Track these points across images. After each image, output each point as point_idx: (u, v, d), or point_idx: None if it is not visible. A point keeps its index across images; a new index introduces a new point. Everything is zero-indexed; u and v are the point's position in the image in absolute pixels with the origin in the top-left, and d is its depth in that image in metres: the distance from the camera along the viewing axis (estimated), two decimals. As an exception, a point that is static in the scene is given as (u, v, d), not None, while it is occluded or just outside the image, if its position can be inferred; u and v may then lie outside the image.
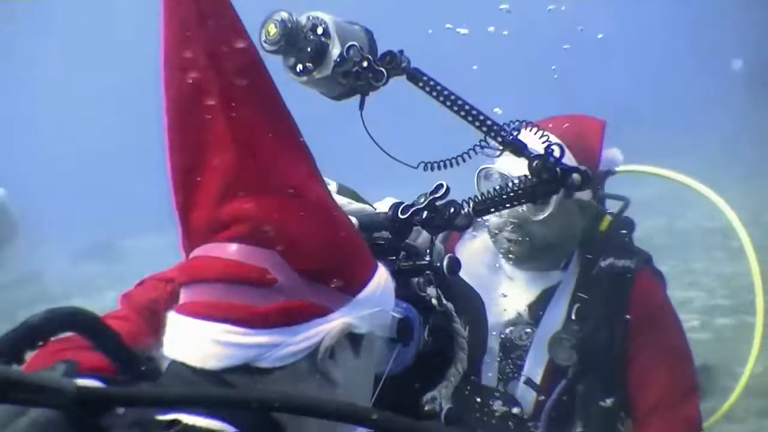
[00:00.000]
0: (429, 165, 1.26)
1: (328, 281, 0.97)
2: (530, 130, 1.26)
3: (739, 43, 19.51)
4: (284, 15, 1.30)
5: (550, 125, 2.18)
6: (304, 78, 1.31)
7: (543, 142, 1.22)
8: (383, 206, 1.83)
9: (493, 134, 1.22)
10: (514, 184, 1.25)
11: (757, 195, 10.62)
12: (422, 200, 1.21)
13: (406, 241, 1.27)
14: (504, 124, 1.24)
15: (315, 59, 1.28)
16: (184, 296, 0.99)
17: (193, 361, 0.94)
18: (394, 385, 1.18)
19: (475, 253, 2.32)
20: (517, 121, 1.22)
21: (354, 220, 1.28)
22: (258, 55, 0.98)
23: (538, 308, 2.22)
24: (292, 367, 0.95)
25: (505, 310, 2.24)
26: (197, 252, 0.99)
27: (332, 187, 1.33)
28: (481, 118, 1.22)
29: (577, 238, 2.25)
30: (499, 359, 2.21)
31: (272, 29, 1.30)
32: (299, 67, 1.30)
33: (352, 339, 1.00)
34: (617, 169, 2.44)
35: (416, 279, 1.22)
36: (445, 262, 1.21)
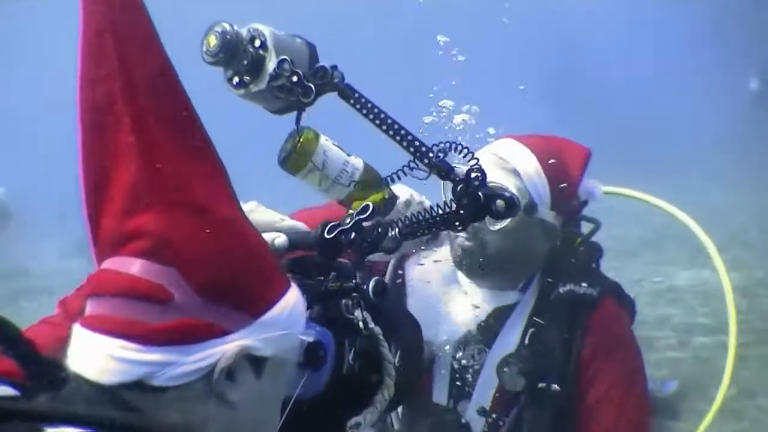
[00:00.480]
0: (358, 185, 1.23)
1: (228, 301, 0.95)
2: (462, 155, 1.22)
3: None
4: (225, 26, 1.28)
5: (530, 143, 2.16)
6: (242, 91, 1.28)
7: (469, 166, 1.19)
8: (399, 191, 1.87)
9: (420, 156, 1.19)
10: (439, 207, 1.22)
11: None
12: (348, 221, 1.19)
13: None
14: (433, 145, 1.21)
15: (251, 72, 1.26)
16: (88, 309, 0.99)
17: (91, 376, 0.94)
18: (317, 409, 1.15)
19: (436, 263, 2.26)
20: (445, 143, 1.19)
21: (282, 238, 1.26)
22: (170, 68, 0.96)
23: (491, 329, 2.15)
24: (186, 387, 0.94)
25: (456, 325, 2.18)
26: (105, 264, 0.98)
27: (249, 206, 1.31)
28: (409, 138, 1.19)
29: (538, 260, 2.19)
30: (450, 378, 2.15)
31: (212, 40, 1.28)
32: (235, 79, 1.27)
33: (254, 361, 0.98)
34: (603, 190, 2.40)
35: (343, 301, 1.19)
36: (371, 285, 1.19)
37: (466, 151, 1.17)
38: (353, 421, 1.19)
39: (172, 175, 0.93)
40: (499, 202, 1.16)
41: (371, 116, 1.22)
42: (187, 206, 0.94)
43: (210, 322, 0.94)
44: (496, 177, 2.06)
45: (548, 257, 2.19)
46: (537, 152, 2.13)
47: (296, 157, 1.54)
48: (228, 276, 0.95)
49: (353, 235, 1.18)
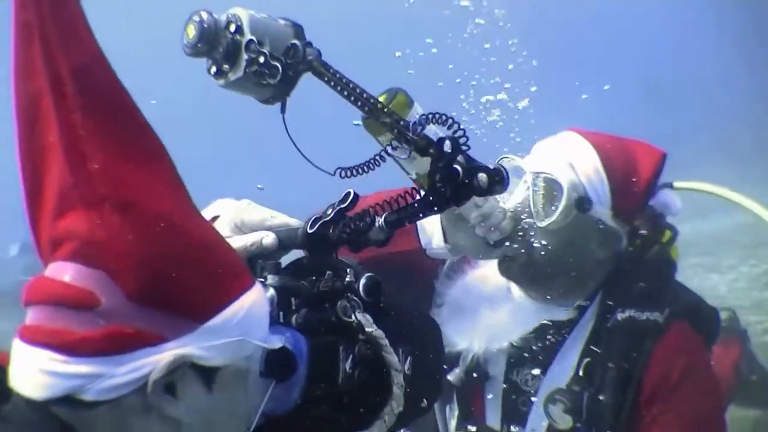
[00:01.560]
0: (345, 171, 1.10)
1: (166, 306, 0.83)
2: (447, 126, 1.06)
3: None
4: (203, 15, 1.18)
5: (594, 139, 1.95)
6: (221, 81, 1.18)
7: (448, 131, 1.02)
8: None
9: (399, 132, 1.04)
10: (425, 190, 1.06)
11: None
12: (329, 211, 1.05)
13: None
14: (414, 121, 1.06)
15: (228, 59, 1.15)
16: (27, 319, 0.90)
17: (25, 390, 0.86)
18: (310, 423, 1.02)
19: (492, 270, 2.04)
20: (425, 115, 1.03)
21: (271, 237, 1.14)
22: (100, 61, 0.87)
23: (545, 351, 1.91)
24: (120, 402, 0.84)
25: (500, 338, 1.96)
26: (46, 271, 0.89)
27: (241, 204, 1.19)
28: (391, 114, 1.05)
29: (596, 270, 1.93)
30: (502, 400, 1.96)
31: (190, 31, 1.18)
32: (213, 69, 1.17)
33: (203, 372, 0.86)
34: (676, 185, 2.18)
35: (340, 302, 1.06)
36: (362, 283, 1.05)
37: (451, 121, 1.01)
38: None
39: (99, 171, 0.84)
40: (481, 176, 0.99)
41: (346, 93, 1.08)
42: (115, 202, 0.83)
43: (143, 329, 0.83)
44: (546, 166, 1.90)
45: (611, 273, 1.94)
46: (599, 148, 1.93)
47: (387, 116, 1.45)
48: (164, 278, 0.84)
49: (338, 227, 1.04)
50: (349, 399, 1.05)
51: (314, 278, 1.07)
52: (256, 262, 1.09)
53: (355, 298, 1.07)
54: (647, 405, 1.81)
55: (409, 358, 1.11)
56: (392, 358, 1.06)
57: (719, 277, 8.44)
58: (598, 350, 1.87)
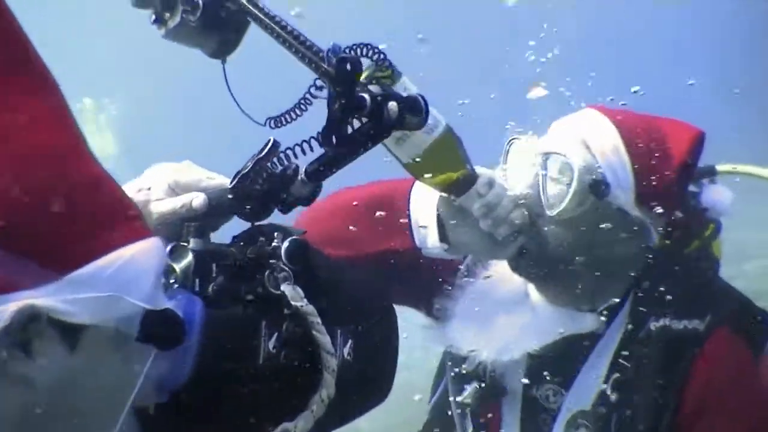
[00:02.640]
0: (275, 120, 0.97)
1: (23, 250, 0.71)
2: (375, 60, 0.91)
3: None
4: None
5: (617, 117, 1.68)
6: (162, 30, 1.08)
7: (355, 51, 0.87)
8: (480, 170, 1.56)
9: (311, 62, 0.90)
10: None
11: None
12: (249, 163, 0.92)
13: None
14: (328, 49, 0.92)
15: (167, 7, 1.05)
16: None
17: None
18: (220, 408, 0.89)
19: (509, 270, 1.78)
20: (339, 45, 0.89)
21: (201, 198, 1.03)
22: None
23: (567, 363, 1.68)
24: None
25: (516, 348, 1.72)
26: None
27: (181, 165, 1.09)
28: (314, 50, 0.91)
29: (622, 268, 1.68)
30: (521, 416, 1.74)
31: None
32: (152, 17, 1.07)
33: (66, 330, 0.74)
34: (719, 168, 1.89)
35: (267, 272, 0.93)
36: (284, 247, 0.91)
37: (379, 55, 0.87)
38: (282, 427, 0.91)
39: None
40: (391, 105, 0.84)
41: (280, 36, 0.95)
42: None
43: None
44: (556, 145, 1.66)
45: (641, 273, 1.68)
46: (620, 125, 1.66)
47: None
48: (27, 217, 0.72)
49: (260, 182, 0.91)
50: (272, 382, 0.91)
51: (243, 244, 0.95)
52: (185, 225, 0.98)
53: (287, 268, 0.94)
54: (688, 428, 1.57)
55: (350, 341, 0.97)
56: (323, 338, 0.92)
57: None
58: (628, 364, 1.63)
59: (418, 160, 1.43)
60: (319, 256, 0.99)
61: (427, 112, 0.86)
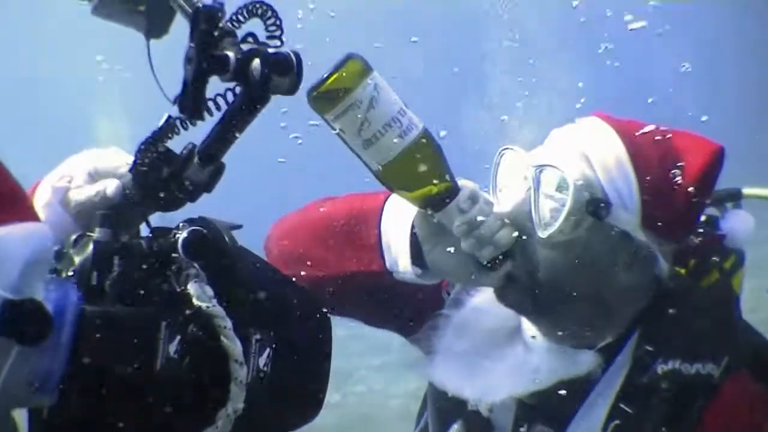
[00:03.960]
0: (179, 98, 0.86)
1: None
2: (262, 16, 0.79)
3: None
4: None
5: (622, 126, 1.47)
6: (91, 5, 0.98)
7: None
8: (462, 183, 1.36)
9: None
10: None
11: None
12: (143, 145, 0.82)
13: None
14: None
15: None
16: None
17: None
18: (118, 415, 0.79)
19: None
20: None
21: (114, 185, 0.93)
22: None
23: (559, 402, 1.46)
24: None
25: (504, 387, 1.52)
26: None
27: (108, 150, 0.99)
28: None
29: (624, 305, 1.47)
30: None
31: None
32: (81, -8, 0.98)
33: None
34: (745, 192, 1.71)
35: (174, 268, 0.83)
36: (181, 239, 0.81)
37: (267, 12, 0.75)
38: None
39: None
40: (254, 64, 0.73)
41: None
42: None
43: None
44: (550, 157, 1.43)
45: (648, 307, 1.47)
46: (626, 136, 1.43)
47: (335, 83, 1.19)
48: None
49: (160, 164, 0.81)
50: (171, 391, 0.81)
51: (152, 236, 0.86)
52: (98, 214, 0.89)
53: (196, 265, 0.84)
54: None
55: (268, 350, 0.87)
56: (232, 345, 0.82)
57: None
58: (630, 411, 1.42)
59: (388, 167, 1.29)
60: (241, 254, 0.89)
61: (300, 74, 0.75)
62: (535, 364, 1.48)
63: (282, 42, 0.76)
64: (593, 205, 1.37)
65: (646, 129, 1.46)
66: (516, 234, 1.40)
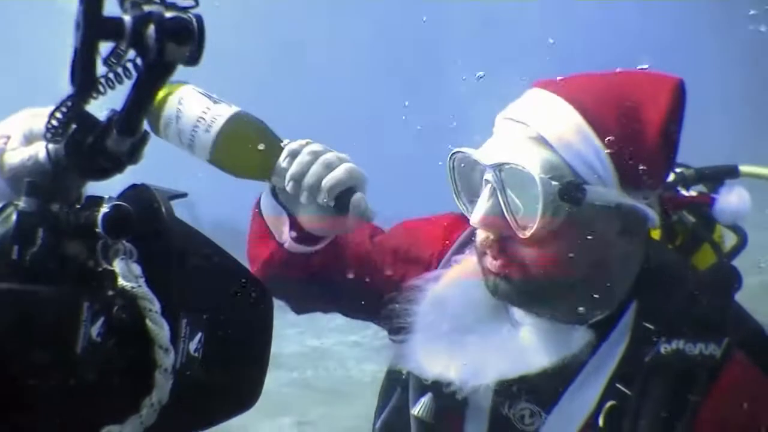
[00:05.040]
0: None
1: None
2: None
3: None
4: None
5: (569, 89, 1.36)
6: None
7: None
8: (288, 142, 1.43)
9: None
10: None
11: None
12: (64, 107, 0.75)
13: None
14: None
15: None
16: None
17: None
18: (34, 401, 0.74)
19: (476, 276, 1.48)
20: None
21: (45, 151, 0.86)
22: None
23: (546, 377, 1.38)
24: None
25: (493, 378, 1.43)
26: None
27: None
28: None
29: (623, 274, 1.40)
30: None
31: None
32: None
33: None
34: (742, 169, 1.64)
35: (101, 243, 0.77)
36: (101, 213, 0.75)
37: None
38: (106, 429, 0.76)
39: None
40: (150, 30, 0.63)
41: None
42: None
43: None
44: (505, 153, 1.33)
45: (642, 281, 1.40)
46: (577, 100, 1.33)
47: (151, 111, 1.30)
48: None
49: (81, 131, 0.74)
50: (93, 378, 0.75)
51: (80, 207, 0.79)
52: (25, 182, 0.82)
53: (128, 245, 0.78)
54: None
55: (200, 334, 0.81)
56: (157, 330, 0.76)
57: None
58: (628, 392, 1.36)
59: (214, 159, 1.40)
60: (177, 229, 0.83)
61: (201, 43, 0.67)
62: (524, 343, 1.41)
63: (196, 2, 0.69)
64: (566, 192, 1.29)
65: (595, 83, 1.38)
66: (352, 166, 1.39)
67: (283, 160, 1.40)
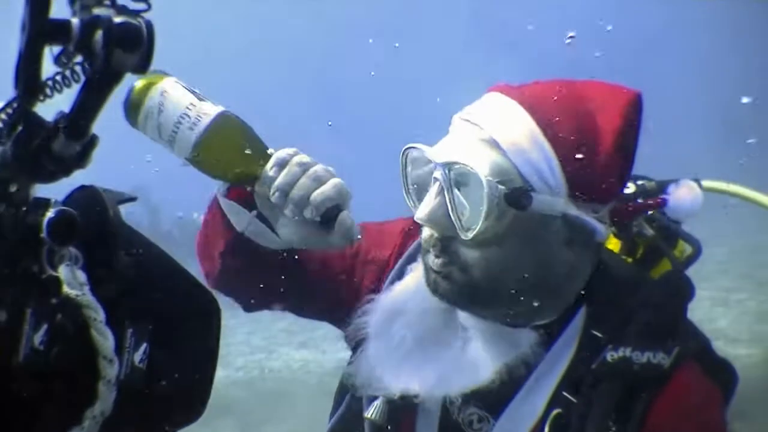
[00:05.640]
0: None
1: None
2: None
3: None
4: None
5: (525, 95, 1.35)
6: None
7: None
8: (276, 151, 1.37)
9: None
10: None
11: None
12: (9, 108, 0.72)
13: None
14: None
15: None
16: None
17: None
18: None
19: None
20: None
21: None
22: None
23: (499, 387, 1.37)
24: None
25: (439, 376, 1.42)
26: None
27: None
28: None
29: (567, 284, 1.38)
30: None
31: None
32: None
33: None
34: (705, 184, 1.63)
35: (47, 248, 0.75)
36: (45, 220, 0.73)
37: None
38: None
39: None
40: (97, 35, 0.62)
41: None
42: None
43: None
44: (454, 152, 1.32)
45: (592, 288, 1.39)
46: (532, 105, 1.32)
47: (130, 100, 1.30)
48: None
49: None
50: (35, 387, 0.73)
51: (26, 210, 0.77)
52: None
53: (74, 250, 0.76)
54: None
55: (145, 345, 0.79)
56: (101, 340, 0.74)
57: (724, 310, 7.95)
58: (573, 399, 1.34)
59: (193, 158, 1.33)
60: (123, 235, 0.81)
61: (150, 50, 0.66)
62: (475, 353, 1.40)
63: (149, 6, 0.67)
64: (512, 197, 1.27)
65: (552, 91, 1.36)
66: (340, 182, 1.35)
67: (270, 169, 1.33)
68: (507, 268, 1.33)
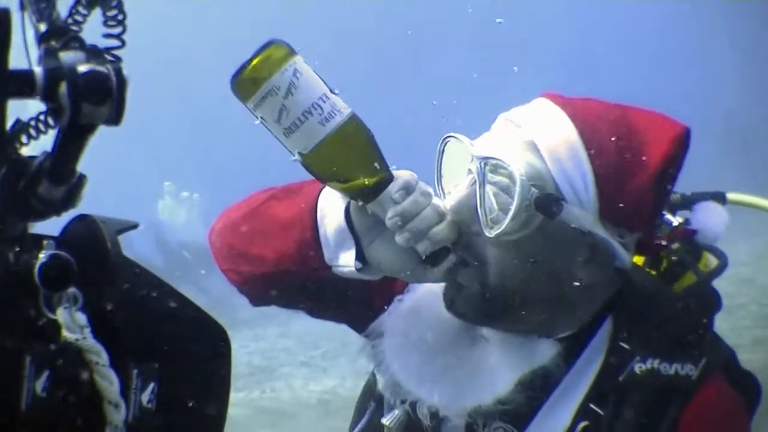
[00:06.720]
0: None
1: None
2: None
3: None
4: None
5: (575, 107, 1.33)
6: None
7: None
8: (398, 173, 1.28)
9: None
10: None
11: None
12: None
13: None
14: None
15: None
16: None
17: None
18: None
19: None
20: None
21: None
22: None
23: (524, 400, 1.34)
24: None
25: (458, 390, 1.39)
26: None
27: None
28: None
29: (583, 301, 1.37)
30: None
31: None
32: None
33: None
34: (730, 197, 1.64)
35: (44, 291, 0.71)
36: (38, 264, 0.69)
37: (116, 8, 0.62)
38: None
39: None
40: (62, 88, 0.57)
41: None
42: None
43: None
44: (494, 149, 1.30)
45: (615, 302, 1.38)
46: (579, 119, 1.30)
47: (251, 69, 1.15)
48: None
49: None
50: None
51: (20, 250, 0.73)
52: None
53: (73, 290, 0.72)
54: None
55: (152, 385, 0.76)
56: (106, 384, 0.70)
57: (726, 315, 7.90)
58: (601, 412, 1.32)
59: (311, 156, 1.20)
60: (125, 269, 0.78)
61: (121, 101, 0.60)
62: (495, 363, 1.37)
63: (122, 43, 0.63)
64: (543, 202, 1.24)
65: (602, 108, 1.35)
66: (456, 230, 1.29)
67: (395, 192, 1.25)
68: (522, 275, 1.30)
